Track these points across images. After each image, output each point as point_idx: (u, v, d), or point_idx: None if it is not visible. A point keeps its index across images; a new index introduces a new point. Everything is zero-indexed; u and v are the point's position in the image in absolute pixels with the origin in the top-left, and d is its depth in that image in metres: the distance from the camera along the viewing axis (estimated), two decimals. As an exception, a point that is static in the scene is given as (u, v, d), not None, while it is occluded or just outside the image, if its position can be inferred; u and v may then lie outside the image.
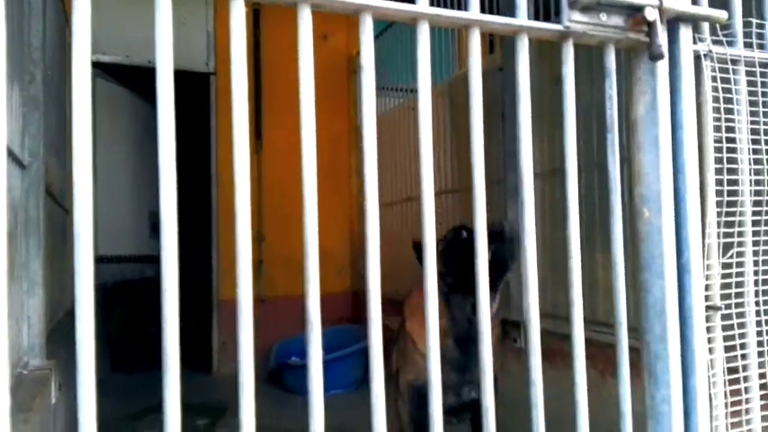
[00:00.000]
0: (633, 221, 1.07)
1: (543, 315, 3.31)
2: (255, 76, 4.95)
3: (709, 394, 1.03)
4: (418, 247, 1.82)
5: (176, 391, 0.72)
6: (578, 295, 0.97)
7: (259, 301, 4.83)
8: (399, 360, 2.28)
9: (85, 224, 0.70)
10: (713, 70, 1.11)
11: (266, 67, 5.02)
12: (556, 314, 2.76)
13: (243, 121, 0.76)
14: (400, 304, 4.25)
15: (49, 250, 2.30)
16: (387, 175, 4.60)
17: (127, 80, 4.85)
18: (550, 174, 2.87)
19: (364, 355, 4.32)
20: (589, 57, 2.26)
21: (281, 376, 4.32)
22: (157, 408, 3.24)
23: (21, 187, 1.74)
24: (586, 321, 1.06)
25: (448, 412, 1.49)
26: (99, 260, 4.49)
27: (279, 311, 4.90)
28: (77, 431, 0.66)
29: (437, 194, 4.13)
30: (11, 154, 1.56)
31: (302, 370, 4.49)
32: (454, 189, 3.81)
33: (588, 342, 2.17)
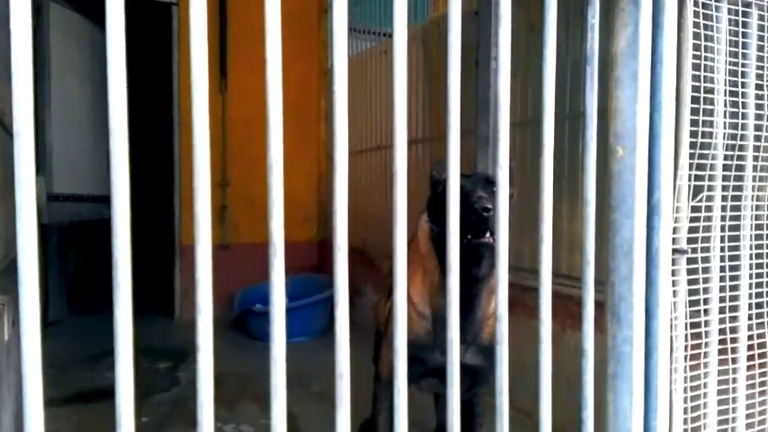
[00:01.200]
0: (605, 161, 1.05)
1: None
2: (221, 10, 4.72)
3: (671, 336, 1.05)
4: (435, 184, 1.76)
5: (128, 333, 0.68)
6: (548, 248, 0.95)
7: (222, 248, 4.77)
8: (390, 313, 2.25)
9: (27, 154, 0.64)
10: (696, 5, 1.08)
11: (233, 2, 4.78)
12: (519, 266, 2.78)
13: (202, 55, 0.70)
14: (368, 255, 4.27)
15: (1, 180, 2.18)
16: (356, 121, 4.51)
17: (84, 7, 4.56)
18: (521, 125, 2.84)
19: (329, 303, 4.33)
20: (565, 4, 2.21)
21: (244, 323, 4.32)
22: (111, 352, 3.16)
23: (-36, 112, 1.62)
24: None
25: (439, 372, 1.47)
26: (54, 198, 4.32)
27: (243, 258, 4.85)
28: None
29: (408, 144, 4.08)
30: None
31: (266, 317, 4.48)
32: (425, 138, 3.76)
33: (552, 294, 2.15)
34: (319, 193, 5.38)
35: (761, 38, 1.19)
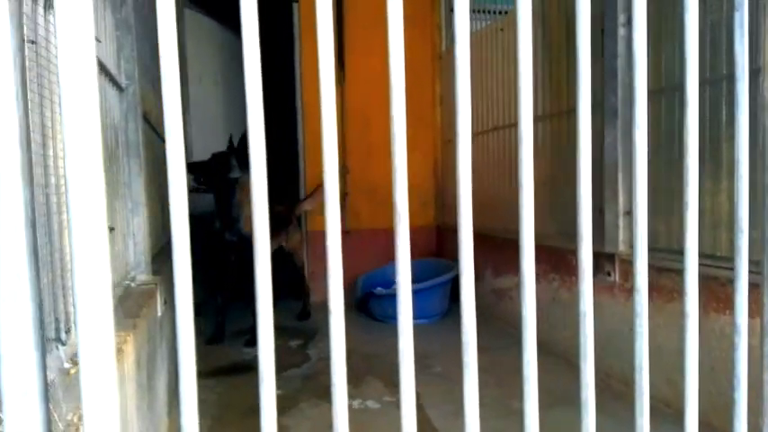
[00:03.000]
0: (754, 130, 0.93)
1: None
2: (338, 2, 4.85)
3: None
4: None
5: (269, 315, 0.72)
6: (694, 225, 0.87)
7: (345, 234, 4.93)
8: None
9: (177, 154, 0.69)
10: None
11: (349, -5, 4.89)
12: (654, 246, 2.60)
13: (328, 50, 0.71)
14: (487, 238, 4.20)
15: (150, 175, 2.42)
16: (471, 103, 4.44)
17: (216, 11, 4.91)
18: (653, 93, 2.63)
19: (448, 287, 4.34)
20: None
21: (366, 305, 4.45)
22: (250, 330, 3.42)
23: (119, 109, 1.81)
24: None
25: None
26: (196, 190, 4.72)
27: (363, 243, 5.00)
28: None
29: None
30: (108, 74, 1.61)
31: (387, 299, 4.59)
32: (545, 115, 3.61)
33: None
34: (436, 178, 5.37)
35: None
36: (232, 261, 3.89)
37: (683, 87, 0.88)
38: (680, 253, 2.76)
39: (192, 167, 3.73)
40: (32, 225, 0.58)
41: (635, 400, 0.79)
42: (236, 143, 3.81)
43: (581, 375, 0.74)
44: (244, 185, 3.73)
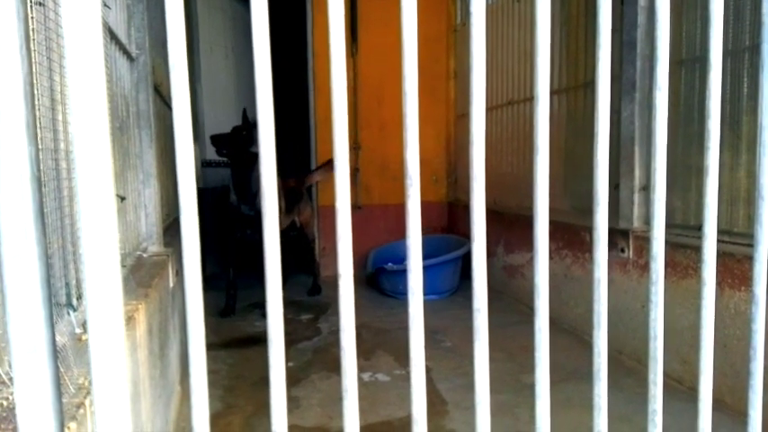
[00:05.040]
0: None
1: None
2: (351, -26, 4.77)
3: None
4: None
5: (278, 288, 0.70)
6: (714, 201, 0.84)
7: (356, 209, 4.93)
8: None
9: (185, 125, 0.67)
10: None
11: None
12: (670, 222, 2.56)
13: (339, 22, 0.68)
14: (500, 215, 4.18)
15: (161, 147, 2.41)
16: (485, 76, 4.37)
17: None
18: (674, 64, 2.57)
19: (459, 263, 4.33)
20: None
21: (377, 280, 4.46)
22: (261, 303, 3.44)
23: (130, 79, 1.80)
24: (700, 229, 0.93)
25: None
26: (207, 164, 4.72)
27: (375, 219, 4.99)
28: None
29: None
30: (118, 43, 1.59)
31: (397, 275, 4.59)
32: (561, 89, 3.54)
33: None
34: (448, 154, 5.33)
35: None
36: (248, 235, 3.90)
37: (703, 59, 0.85)
38: (695, 228, 2.71)
39: (215, 139, 3.73)
40: (38, 181, 0.57)
41: (648, 369, 0.78)
42: (251, 117, 3.81)
43: (594, 344, 0.73)
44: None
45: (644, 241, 2.77)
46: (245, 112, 3.91)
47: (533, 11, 0.78)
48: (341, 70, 0.70)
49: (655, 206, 0.77)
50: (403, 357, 2.93)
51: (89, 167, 0.57)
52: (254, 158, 3.74)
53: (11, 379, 0.80)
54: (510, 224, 4.06)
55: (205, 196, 4.95)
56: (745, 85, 2.28)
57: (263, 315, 2.83)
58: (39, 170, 0.57)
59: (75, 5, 0.57)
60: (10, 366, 0.82)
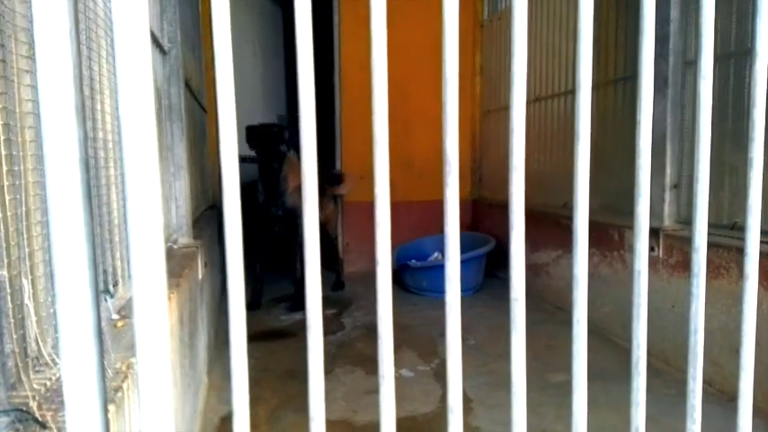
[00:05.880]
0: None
1: (686, 221, 3.07)
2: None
3: None
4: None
5: (318, 289, 0.70)
6: (758, 194, 0.81)
7: (380, 205, 4.92)
8: None
9: (229, 123, 0.67)
10: None
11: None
12: (701, 220, 2.51)
13: (381, 16, 0.68)
14: (527, 212, 4.13)
15: (191, 140, 2.45)
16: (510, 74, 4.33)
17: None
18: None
19: (484, 261, 4.30)
20: None
21: (401, 277, 4.46)
22: (286, 298, 3.46)
23: (162, 72, 1.82)
24: (736, 228, 0.90)
25: None
26: (241, 160, 4.77)
27: (399, 216, 4.96)
28: (221, 308, 0.68)
29: (565, 93, 3.83)
30: (151, 36, 1.61)
31: (421, 271, 4.56)
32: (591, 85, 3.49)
33: (738, 250, 1.94)
34: (473, 152, 5.29)
35: None
36: (276, 232, 3.92)
37: (737, 54, 0.83)
38: (728, 228, 2.65)
39: (250, 130, 3.74)
40: (86, 165, 0.58)
41: (688, 364, 0.76)
42: (275, 119, 3.85)
43: (632, 336, 0.72)
44: (291, 160, 3.78)
45: (674, 240, 2.72)
46: (287, 117, 3.96)
47: (576, 7, 0.77)
48: (382, 66, 0.70)
49: (698, 198, 0.75)
50: (426, 354, 2.93)
51: (136, 156, 0.58)
52: (282, 158, 3.76)
53: (53, 360, 0.82)
54: (536, 222, 4.02)
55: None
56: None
57: (289, 309, 2.83)
58: (86, 153, 0.58)
59: (123, 3, 0.58)
60: (53, 348, 0.84)
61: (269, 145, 3.70)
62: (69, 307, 0.58)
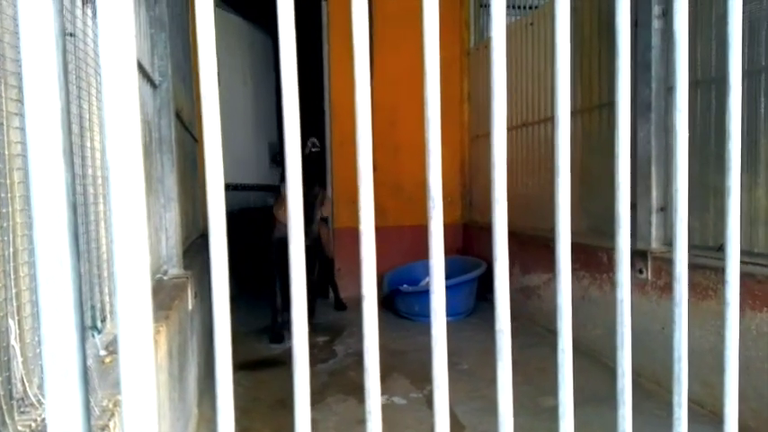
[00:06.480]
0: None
1: (671, 243, 3.07)
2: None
3: None
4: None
5: (303, 312, 0.71)
6: (736, 222, 0.83)
7: (371, 230, 4.94)
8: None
9: (215, 151, 0.69)
10: None
11: (376, -9, 4.90)
12: (689, 243, 2.54)
13: (363, 47, 0.70)
14: (515, 236, 4.17)
15: (181, 171, 2.46)
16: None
17: (244, 9, 4.95)
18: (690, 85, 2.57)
19: (474, 285, 4.31)
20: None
21: (392, 302, 4.45)
22: (281, 325, 3.42)
23: (153, 105, 1.84)
24: (722, 250, 0.92)
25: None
26: (225, 188, 4.77)
27: (389, 241, 4.99)
28: (212, 338, 0.68)
29: (552, 119, 3.89)
30: (142, 71, 1.64)
31: (412, 296, 4.56)
32: (575, 111, 3.55)
33: (723, 271, 1.92)
34: (462, 176, 5.34)
35: None
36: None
37: (718, 80, 0.86)
38: (714, 249, 2.68)
39: (281, 160, 3.77)
40: (73, 208, 0.59)
41: (673, 391, 0.77)
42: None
43: (617, 364, 0.73)
44: (320, 198, 3.82)
45: (662, 262, 2.74)
46: (278, 145, 3.99)
47: (553, 35, 0.79)
48: (365, 94, 0.72)
49: (677, 227, 0.77)
50: (419, 380, 2.91)
51: (123, 192, 0.59)
52: (312, 187, 3.76)
53: (39, 401, 0.81)
54: (525, 245, 4.04)
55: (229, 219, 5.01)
56: (762, 106, 2.27)
57: (273, 340, 2.81)
58: (74, 196, 0.59)
59: (111, 40, 0.60)
60: (38, 388, 0.83)
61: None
62: (55, 349, 0.58)
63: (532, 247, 3.97)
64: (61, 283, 0.57)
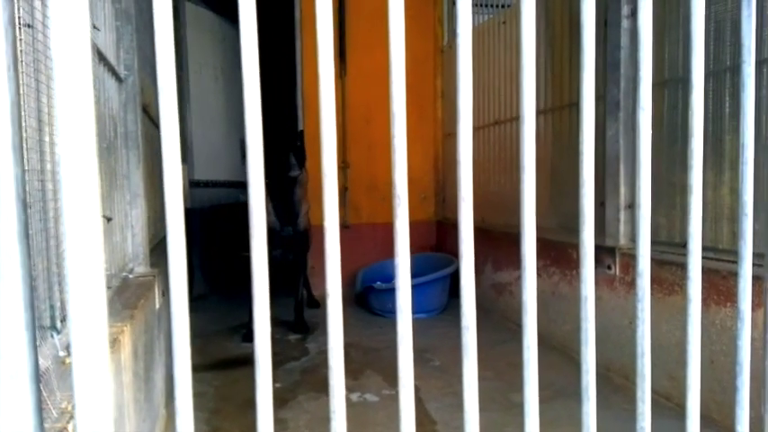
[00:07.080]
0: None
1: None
2: (340, -5, 4.83)
3: None
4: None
5: (265, 304, 0.70)
6: (698, 220, 0.85)
7: (344, 228, 4.92)
8: None
9: (173, 145, 0.67)
10: None
11: (350, -13, 4.87)
12: (656, 239, 2.58)
13: (328, 44, 0.69)
14: (487, 233, 4.20)
15: (149, 168, 2.41)
16: (473, 97, 4.43)
17: (215, 4, 4.88)
18: (657, 85, 2.62)
19: (447, 282, 4.33)
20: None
21: (366, 299, 4.45)
22: (247, 325, 3.37)
23: (118, 100, 1.80)
24: (686, 246, 0.93)
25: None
26: (196, 185, 4.71)
27: (363, 238, 4.99)
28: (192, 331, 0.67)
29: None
30: (107, 64, 1.59)
31: (386, 293, 4.55)
32: (547, 109, 3.59)
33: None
34: (436, 173, 5.36)
35: None
36: (280, 255, 3.86)
37: (685, 80, 0.87)
38: (680, 246, 2.74)
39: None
40: (24, 204, 0.57)
41: (636, 386, 0.78)
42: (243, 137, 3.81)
43: (582, 361, 0.73)
44: (303, 182, 3.78)
45: (630, 258, 2.79)
46: (300, 134, 3.97)
47: (518, 33, 0.79)
48: (329, 91, 0.71)
49: (640, 223, 0.78)
50: (392, 377, 2.91)
51: (76, 188, 0.57)
52: (293, 182, 3.75)
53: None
54: (497, 242, 4.08)
55: (193, 216, 4.94)
56: (727, 105, 2.33)
57: (246, 339, 2.78)
58: (24, 192, 0.57)
59: (64, 28, 0.58)
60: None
61: (276, 173, 3.65)
62: (3, 350, 0.56)
63: (504, 243, 4.00)
64: (10, 281, 0.55)
